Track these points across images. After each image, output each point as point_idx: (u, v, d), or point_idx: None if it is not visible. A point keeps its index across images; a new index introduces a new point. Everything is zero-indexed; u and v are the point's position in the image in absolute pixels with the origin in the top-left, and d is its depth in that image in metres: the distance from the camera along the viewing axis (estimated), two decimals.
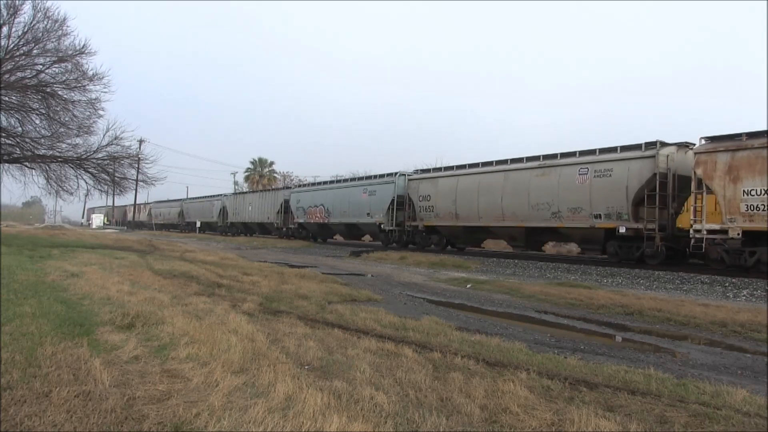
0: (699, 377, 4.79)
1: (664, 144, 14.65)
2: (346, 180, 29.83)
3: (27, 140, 19.13)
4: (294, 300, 8.46)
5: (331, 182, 31.01)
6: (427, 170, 23.56)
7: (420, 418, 3.22)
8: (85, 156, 19.32)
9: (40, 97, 18.49)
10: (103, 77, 18.89)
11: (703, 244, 12.87)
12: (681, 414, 3.51)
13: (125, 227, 59.08)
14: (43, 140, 19.45)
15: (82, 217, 78.89)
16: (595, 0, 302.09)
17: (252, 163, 61.44)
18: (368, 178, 27.04)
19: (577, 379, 4.24)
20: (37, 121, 19.50)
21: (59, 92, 18.64)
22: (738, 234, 12.27)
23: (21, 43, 17.72)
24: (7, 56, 17.40)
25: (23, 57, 17.93)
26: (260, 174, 60.51)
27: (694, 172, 13.12)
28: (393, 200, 23.43)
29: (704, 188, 12.91)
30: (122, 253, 16.13)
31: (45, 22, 17.69)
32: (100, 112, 19.87)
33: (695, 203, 13.16)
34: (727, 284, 11.60)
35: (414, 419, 3.20)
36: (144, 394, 3.19)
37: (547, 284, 12.02)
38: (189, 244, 27.41)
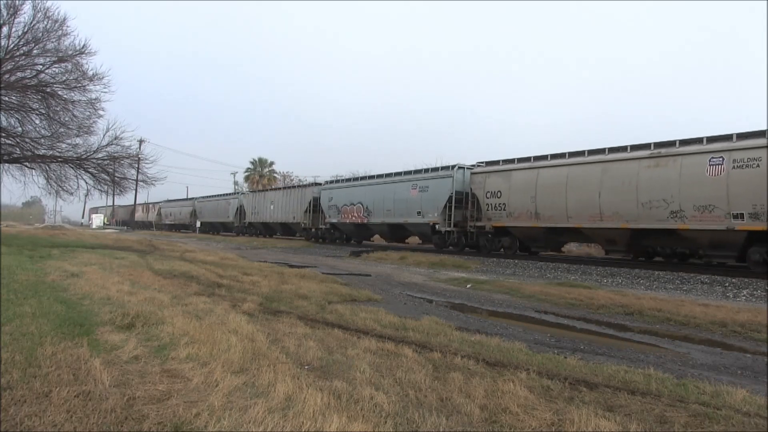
0: (699, 377, 4.80)
1: None
2: (389, 174, 25.06)
3: (27, 140, 19.14)
4: (294, 300, 8.46)
5: (371, 177, 27.14)
6: (495, 162, 19.85)
7: (420, 418, 3.22)
8: (85, 156, 19.33)
9: (40, 97, 18.50)
10: (103, 77, 18.96)
11: None
12: (681, 414, 3.51)
13: (125, 227, 58.74)
14: (43, 140, 19.47)
15: (82, 217, 78.81)
16: (595, 0, 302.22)
17: (252, 163, 61.52)
18: (417, 172, 23.38)
19: (577, 379, 4.24)
20: (37, 121, 19.54)
21: (59, 92, 18.67)
22: None
23: (21, 43, 17.74)
24: (7, 56, 17.41)
25: (23, 57, 17.94)
26: (260, 174, 60.49)
27: None
28: (451, 197, 20.44)
29: None
30: (122, 253, 16.14)
31: (45, 22, 17.75)
32: (100, 112, 19.94)
33: None
34: (727, 284, 11.60)
35: (414, 419, 3.20)
36: (144, 394, 3.19)
37: (547, 284, 12.01)
38: (189, 244, 27.42)
